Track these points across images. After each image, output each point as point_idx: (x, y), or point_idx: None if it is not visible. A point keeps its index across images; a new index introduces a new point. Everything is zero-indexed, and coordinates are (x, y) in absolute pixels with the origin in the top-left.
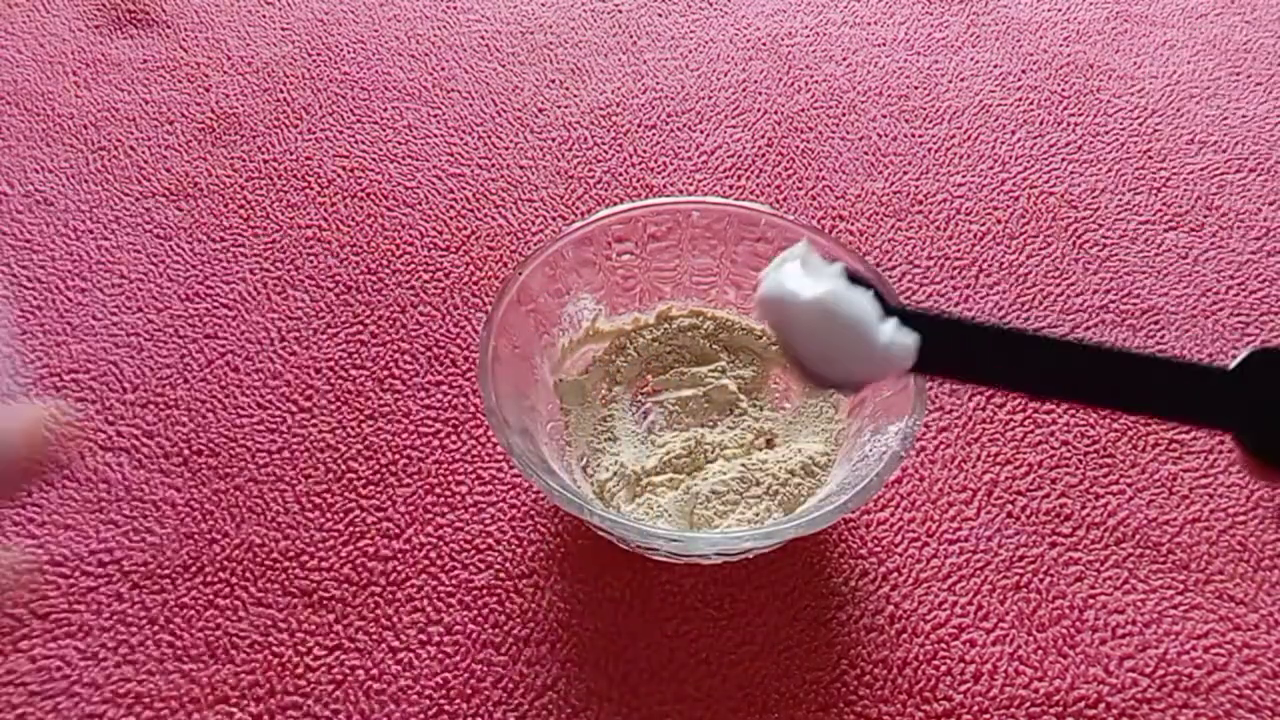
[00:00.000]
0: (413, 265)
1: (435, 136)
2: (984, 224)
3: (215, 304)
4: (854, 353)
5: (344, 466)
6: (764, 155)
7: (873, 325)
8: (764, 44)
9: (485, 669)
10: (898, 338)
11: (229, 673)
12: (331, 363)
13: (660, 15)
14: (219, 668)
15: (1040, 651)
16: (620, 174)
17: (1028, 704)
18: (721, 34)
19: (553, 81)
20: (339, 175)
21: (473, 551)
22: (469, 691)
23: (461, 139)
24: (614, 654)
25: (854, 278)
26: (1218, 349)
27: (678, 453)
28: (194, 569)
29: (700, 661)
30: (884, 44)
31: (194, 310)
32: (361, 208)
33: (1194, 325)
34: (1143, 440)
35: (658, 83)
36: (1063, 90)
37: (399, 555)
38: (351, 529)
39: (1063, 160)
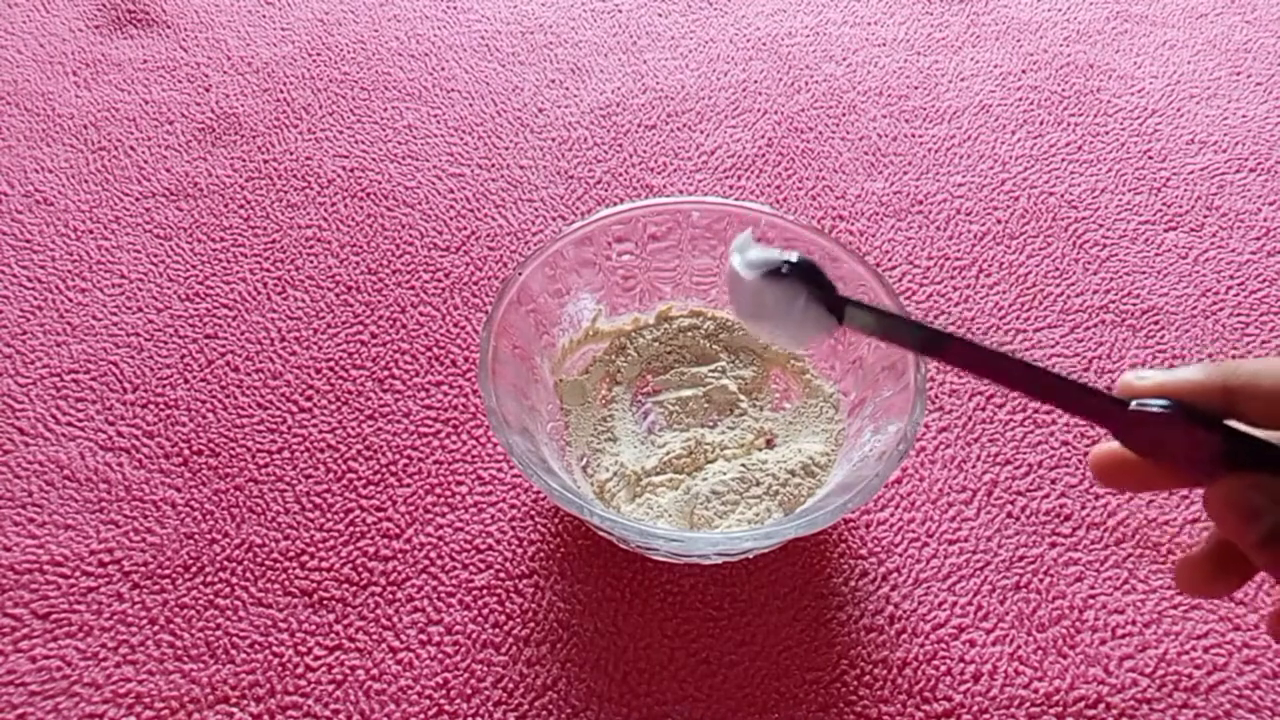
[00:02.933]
0: (413, 265)
1: (435, 136)
2: (984, 224)
3: (215, 304)
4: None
5: (344, 466)
6: (764, 155)
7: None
8: (764, 44)
9: (485, 669)
10: (809, 321)
11: (229, 673)
12: (331, 363)
13: (660, 15)
14: (219, 668)
15: (1040, 651)
16: (620, 174)
17: (1028, 704)
18: (721, 34)
19: (553, 81)
20: (339, 175)
21: (473, 551)
22: (469, 691)
23: (461, 139)
24: (614, 654)
25: (795, 265)
26: (1218, 349)
27: (678, 453)
28: (194, 569)
29: (700, 661)
30: (884, 44)
31: (194, 310)
32: (361, 208)
33: (1194, 325)
34: None
35: (658, 83)
36: (1063, 90)
37: (399, 555)
38: (351, 529)
39: (1063, 160)
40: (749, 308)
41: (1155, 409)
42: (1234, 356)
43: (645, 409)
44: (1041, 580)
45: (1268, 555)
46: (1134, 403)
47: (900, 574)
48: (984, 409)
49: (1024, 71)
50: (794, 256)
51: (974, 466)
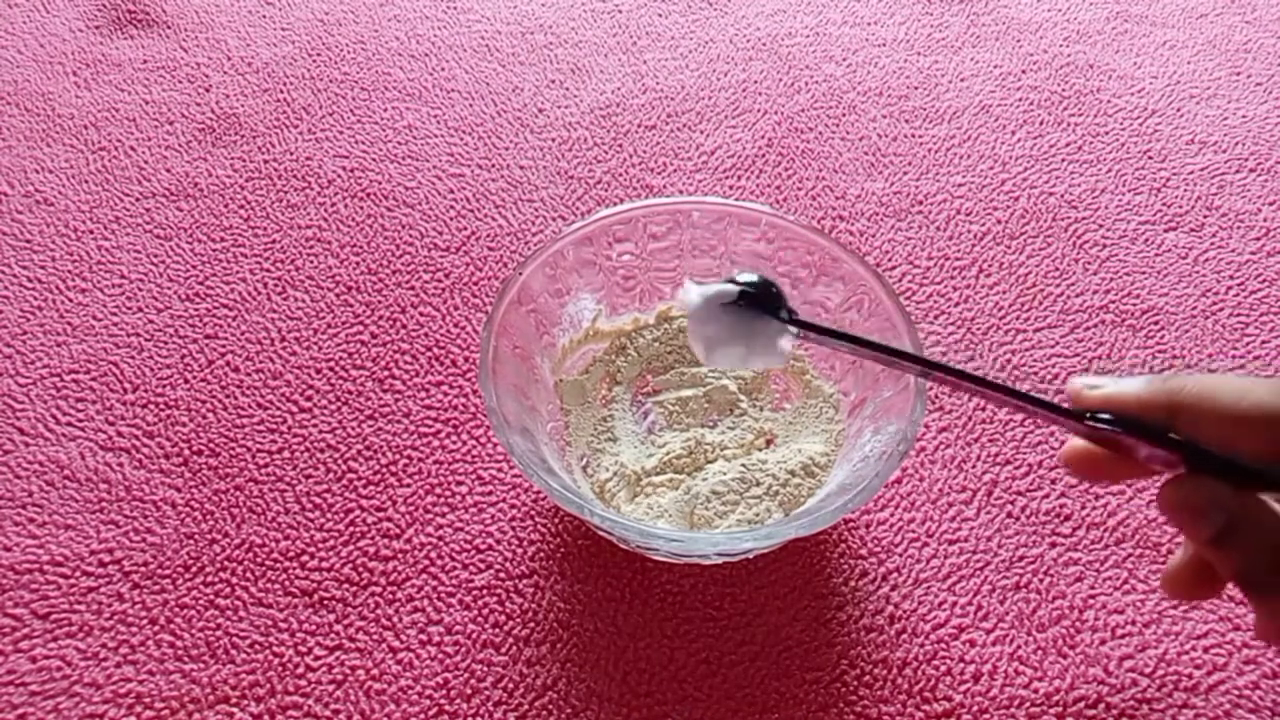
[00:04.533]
0: (413, 265)
1: (435, 136)
2: (984, 224)
3: (215, 304)
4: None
5: (344, 466)
6: (764, 155)
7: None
8: (764, 44)
9: (485, 669)
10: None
11: (229, 673)
12: (331, 363)
13: (660, 15)
14: (219, 668)
15: (1040, 651)
16: (620, 174)
17: (1028, 704)
18: (721, 34)
19: (553, 81)
20: (339, 175)
21: (473, 551)
22: (469, 691)
23: (461, 139)
24: (614, 654)
25: (744, 294)
26: (1218, 349)
27: (678, 453)
28: (194, 569)
29: (700, 661)
30: (884, 44)
31: (194, 310)
32: (361, 208)
33: (1194, 325)
34: None
35: (658, 83)
36: (1063, 90)
37: (399, 555)
38: (351, 529)
39: (1063, 160)
40: (707, 352)
41: (1104, 428)
42: (1233, 357)
43: (645, 409)
44: (1041, 580)
45: (1218, 552)
46: (1086, 416)
47: (900, 574)
48: (984, 409)
49: (1024, 71)
50: (742, 278)
51: (974, 466)
